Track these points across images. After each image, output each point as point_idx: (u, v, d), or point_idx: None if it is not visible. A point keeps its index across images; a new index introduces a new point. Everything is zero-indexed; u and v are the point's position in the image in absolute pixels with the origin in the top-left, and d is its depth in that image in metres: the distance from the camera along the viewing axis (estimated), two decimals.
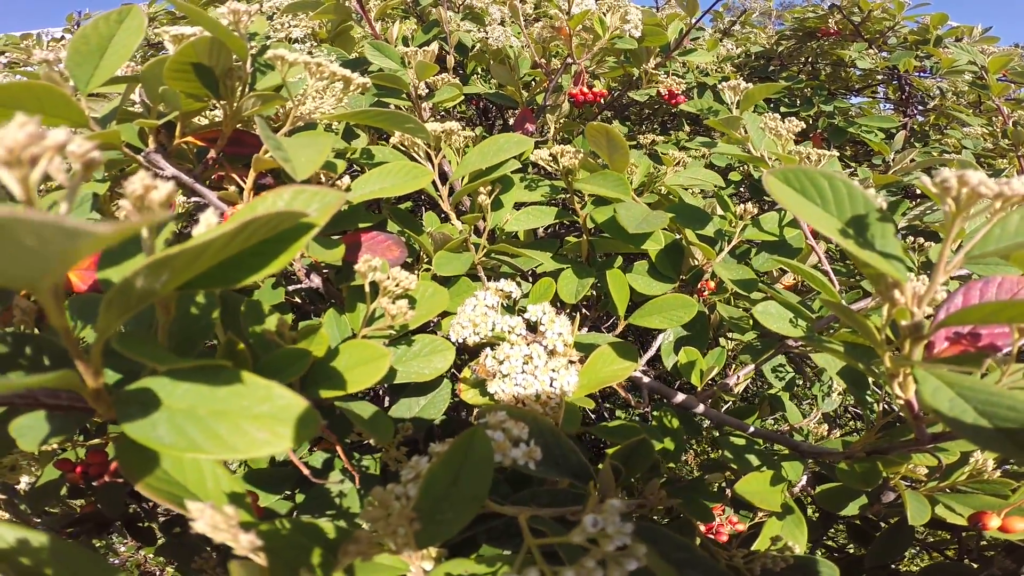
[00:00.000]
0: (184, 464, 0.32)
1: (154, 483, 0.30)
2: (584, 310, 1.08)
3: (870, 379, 0.70)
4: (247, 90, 0.67)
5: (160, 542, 1.04)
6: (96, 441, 0.80)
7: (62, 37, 2.42)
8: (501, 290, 0.59)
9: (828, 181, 0.37)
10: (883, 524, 1.06)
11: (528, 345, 0.53)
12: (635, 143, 1.45)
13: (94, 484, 0.82)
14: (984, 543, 1.10)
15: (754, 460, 0.75)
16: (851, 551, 1.34)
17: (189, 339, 0.35)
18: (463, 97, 1.14)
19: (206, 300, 0.37)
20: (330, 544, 0.36)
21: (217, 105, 0.72)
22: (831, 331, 0.72)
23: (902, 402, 0.47)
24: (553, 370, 0.52)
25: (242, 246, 0.28)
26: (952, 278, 0.85)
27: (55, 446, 0.76)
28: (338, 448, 0.52)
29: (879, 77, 1.87)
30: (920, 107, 1.84)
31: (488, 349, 0.56)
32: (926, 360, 0.43)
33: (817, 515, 1.17)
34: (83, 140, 0.21)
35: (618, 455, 0.48)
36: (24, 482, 0.82)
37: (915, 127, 1.78)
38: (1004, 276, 0.42)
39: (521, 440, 0.38)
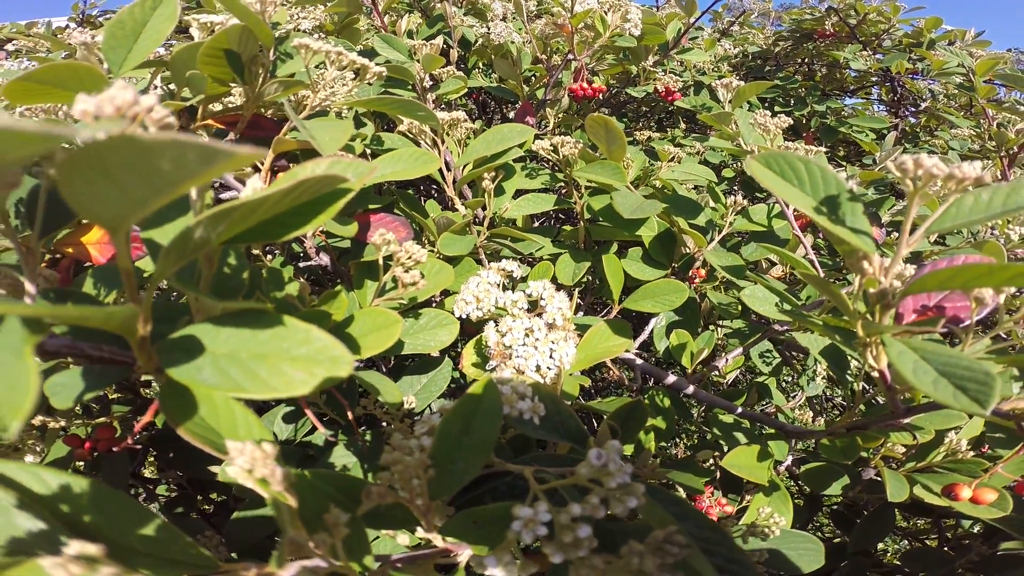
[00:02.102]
0: (218, 412, 0.35)
1: (193, 428, 0.33)
2: (579, 299, 1.12)
3: (850, 360, 0.74)
4: (268, 76, 0.71)
5: None
6: (102, 420, 0.83)
7: (66, 26, 2.44)
8: (503, 269, 0.63)
9: (804, 164, 0.41)
10: (865, 512, 1.10)
11: (529, 319, 0.57)
12: (631, 139, 1.48)
13: (100, 461, 0.85)
14: (961, 530, 1.14)
15: (742, 438, 0.79)
16: (836, 541, 1.38)
17: (223, 295, 0.38)
18: (466, 90, 1.17)
19: (237, 262, 0.41)
20: (350, 492, 0.39)
21: (233, 93, 0.76)
22: None
23: (877, 374, 0.51)
24: (553, 342, 0.56)
25: (291, 204, 0.31)
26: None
27: (62, 423, 0.79)
28: (349, 414, 0.55)
29: (873, 79, 1.91)
30: (912, 109, 1.88)
31: (491, 323, 0.59)
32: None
33: (802, 502, 1.21)
34: (161, 106, 0.24)
35: (615, 416, 0.52)
36: (29, 462, 0.85)
37: (906, 128, 1.83)
38: (967, 255, 0.46)
39: (526, 396, 0.41)
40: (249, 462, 0.25)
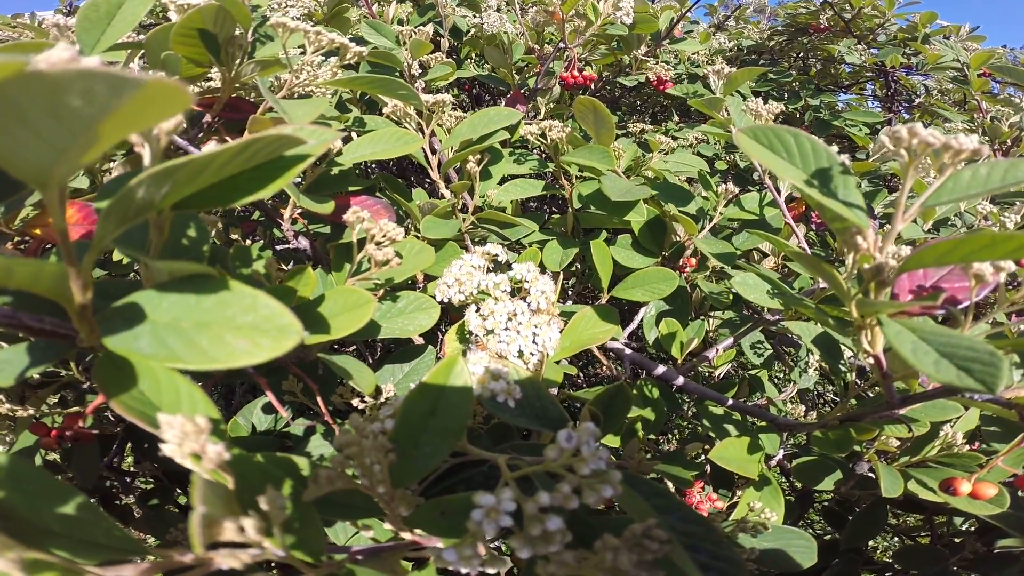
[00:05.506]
0: (161, 385, 0.32)
1: (128, 401, 0.30)
2: (568, 289, 1.10)
3: (843, 349, 0.72)
4: (246, 58, 0.69)
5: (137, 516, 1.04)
6: (75, 409, 0.80)
7: (54, 15, 2.41)
8: (487, 252, 0.61)
9: (794, 137, 0.39)
10: (857, 509, 1.08)
11: (512, 302, 0.55)
12: (625, 132, 1.46)
13: (69, 454, 0.83)
14: (953, 528, 1.13)
15: (732, 430, 0.77)
16: (827, 539, 1.37)
17: None
18: (456, 78, 1.15)
19: (198, 234, 0.38)
20: (303, 479, 0.36)
21: (212, 75, 0.74)
22: None
23: (872, 361, 0.49)
24: (536, 326, 0.54)
25: (242, 166, 0.29)
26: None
27: (31, 411, 0.76)
28: (319, 400, 0.53)
29: (868, 74, 1.90)
30: (906, 104, 1.87)
31: (472, 307, 0.57)
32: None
33: (793, 498, 1.20)
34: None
35: (597, 402, 0.50)
36: None
37: (900, 123, 1.81)
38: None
39: (501, 376, 0.39)
40: (179, 436, 0.23)
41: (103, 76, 0.18)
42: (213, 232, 0.73)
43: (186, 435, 0.23)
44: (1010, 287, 0.47)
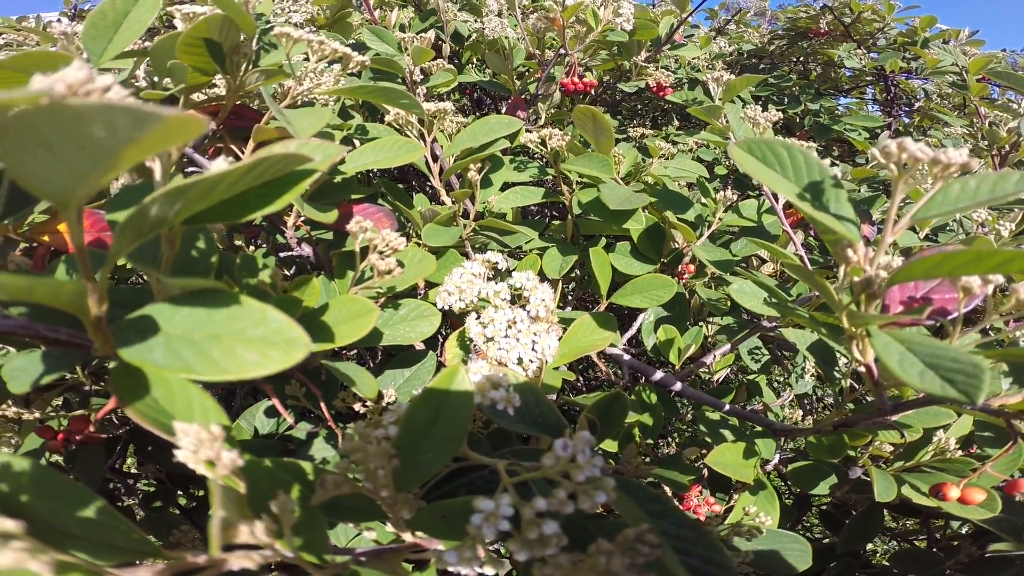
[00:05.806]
0: (174, 394, 0.33)
1: (143, 408, 0.31)
2: (568, 295, 1.11)
3: (838, 356, 0.73)
4: (251, 66, 0.70)
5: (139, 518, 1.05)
6: (80, 412, 0.82)
7: (58, 20, 2.42)
8: (487, 260, 0.62)
9: (787, 150, 0.40)
10: (853, 512, 1.09)
11: (512, 310, 0.56)
12: (625, 136, 1.47)
13: (74, 456, 0.84)
14: (950, 531, 1.13)
15: (728, 435, 0.78)
16: (825, 542, 1.38)
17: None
18: (457, 84, 1.16)
19: (206, 246, 0.39)
20: (310, 483, 0.37)
21: (216, 82, 0.75)
22: None
23: (863, 370, 0.50)
24: (535, 334, 0.55)
25: (251, 183, 0.30)
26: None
27: (38, 414, 0.78)
28: (322, 405, 0.54)
29: (868, 78, 1.91)
30: (906, 108, 1.88)
31: (472, 315, 0.58)
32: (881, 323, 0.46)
33: (791, 501, 1.20)
34: (121, 88, 0.23)
35: (594, 409, 0.51)
36: (4, 454, 0.83)
37: (899, 128, 1.82)
38: (955, 246, 0.45)
39: (500, 385, 0.40)
40: (194, 443, 0.24)
41: (126, 110, 0.19)
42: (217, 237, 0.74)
43: (201, 442, 0.24)
44: (1006, 292, 0.48)
